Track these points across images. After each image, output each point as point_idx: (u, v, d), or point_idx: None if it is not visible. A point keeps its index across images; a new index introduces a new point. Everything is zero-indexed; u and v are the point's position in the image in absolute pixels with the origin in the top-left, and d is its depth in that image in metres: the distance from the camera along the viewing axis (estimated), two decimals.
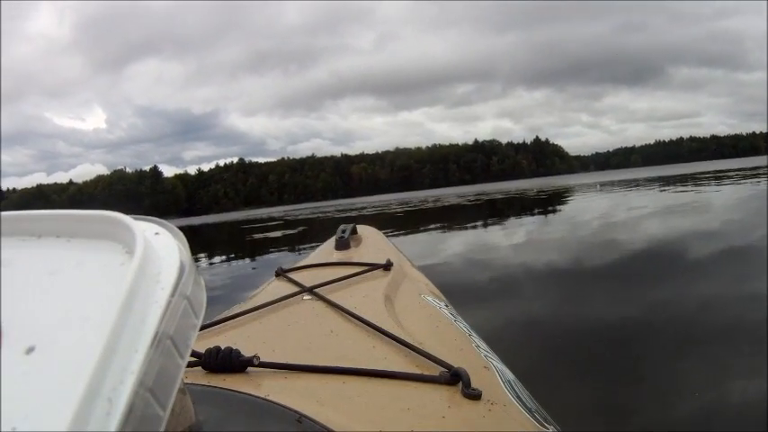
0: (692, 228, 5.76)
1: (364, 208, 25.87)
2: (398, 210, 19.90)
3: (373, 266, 1.17)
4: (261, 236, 12.81)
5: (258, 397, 0.52)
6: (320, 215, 23.10)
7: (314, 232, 12.99)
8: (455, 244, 6.61)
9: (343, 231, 1.58)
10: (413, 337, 0.73)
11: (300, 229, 14.43)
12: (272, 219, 25.10)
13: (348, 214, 20.69)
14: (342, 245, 1.53)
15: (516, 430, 0.55)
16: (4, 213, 0.31)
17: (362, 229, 1.78)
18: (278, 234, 12.81)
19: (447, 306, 1.08)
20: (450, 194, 36.01)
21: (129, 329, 0.22)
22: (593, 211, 9.77)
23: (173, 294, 0.25)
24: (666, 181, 20.42)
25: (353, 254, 1.46)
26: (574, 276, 3.94)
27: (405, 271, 1.24)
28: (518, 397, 0.65)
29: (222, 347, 0.63)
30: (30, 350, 0.22)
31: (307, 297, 0.97)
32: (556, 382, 1.89)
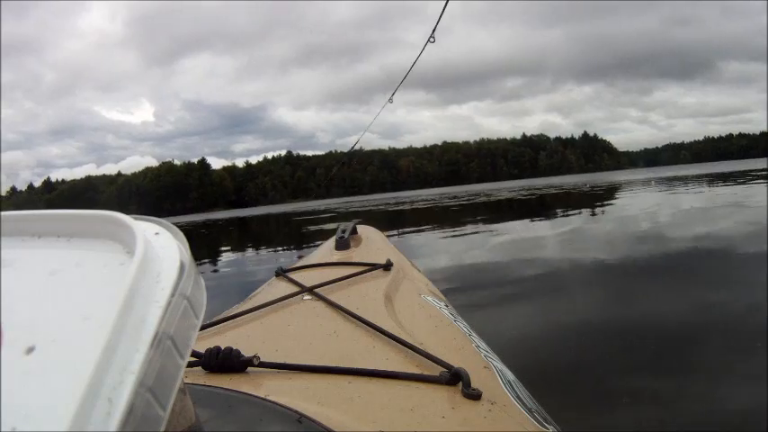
0: (742, 227, 5.61)
1: (415, 201, 25.52)
2: (452, 203, 19.45)
3: (373, 266, 1.17)
4: (316, 228, 12.58)
5: (258, 397, 0.52)
6: (373, 208, 22.89)
7: (371, 224, 12.81)
8: (524, 241, 6.40)
9: (343, 231, 1.58)
10: (413, 337, 0.73)
11: (355, 221, 14.06)
12: (323, 211, 24.86)
13: (402, 207, 20.55)
14: (342, 245, 1.53)
15: (516, 430, 0.55)
16: (4, 213, 0.31)
17: (362, 230, 1.78)
18: (333, 226, 12.55)
19: (447, 306, 1.08)
20: (501, 189, 35.55)
21: (130, 329, 0.22)
22: (654, 207, 9.53)
23: (173, 294, 0.25)
24: (724, 178, 19.57)
25: (353, 254, 1.46)
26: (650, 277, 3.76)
27: (405, 271, 1.24)
28: (518, 397, 0.65)
29: (222, 347, 0.63)
30: (30, 350, 0.22)
31: (307, 297, 0.97)
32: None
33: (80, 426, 0.18)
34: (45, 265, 0.27)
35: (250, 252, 8.90)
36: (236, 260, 7.69)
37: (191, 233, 18.90)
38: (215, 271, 6.75)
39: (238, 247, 10.61)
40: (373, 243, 1.63)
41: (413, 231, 8.95)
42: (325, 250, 1.60)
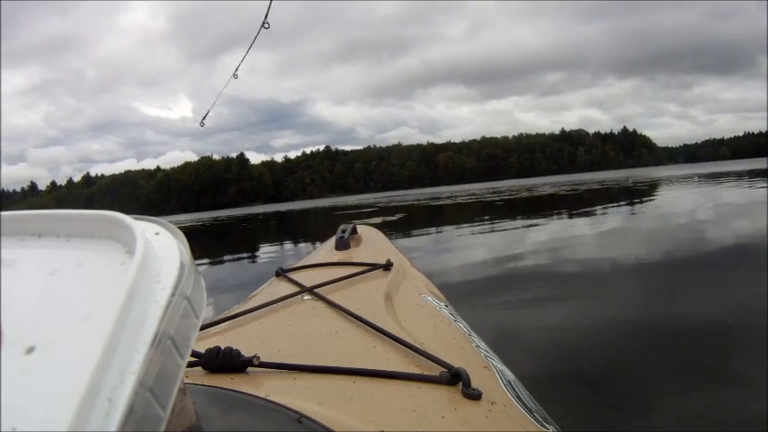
0: None
1: (457, 196, 25.36)
2: (495, 198, 19.21)
3: (373, 266, 1.17)
4: (360, 222, 12.24)
5: (258, 397, 0.52)
6: (414, 202, 22.78)
7: (416, 219, 12.81)
8: (581, 237, 6.21)
9: (343, 231, 1.58)
10: (413, 338, 0.73)
11: (399, 216, 14.00)
12: (364, 205, 24.86)
13: (442, 202, 20.38)
14: (342, 245, 1.53)
15: (516, 430, 0.55)
16: (4, 213, 0.31)
17: (362, 230, 1.78)
18: (378, 220, 12.39)
19: (447, 306, 1.08)
20: (542, 184, 35.17)
21: (130, 329, 0.22)
22: (703, 202, 9.44)
23: (173, 294, 0.25)
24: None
25: (353, 254, 1.46)
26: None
27: (405, 271, 1.24)
28: (518, 397, 0.65)
29: (222, 347, 0.63)
30: (30, 350, 0.22)
31: (307, 297, 0.97)
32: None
33: (80, 426, 0.18)
34: (45, 265, 0.27)
35: (288, 246, 8.97)
36: (277, 255, 7.71)
37: (232, 227, 18.98)
38: (253, 263, 6.78)
39: (281, 240, 10.67)
40: (373, 243, 1.63)
41: (460, 228, 8.86)
42: (326, 250, 1.60)
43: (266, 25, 2.05)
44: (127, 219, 0.29)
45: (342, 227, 1.62)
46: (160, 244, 0.28)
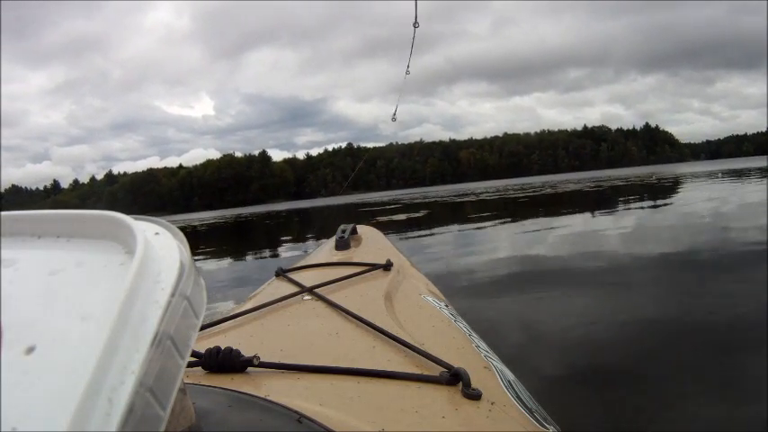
0: None
1: (481, 193, 25.26)
2: (520, 195, 18.98)
3: (373, 266, 1.17)
4: (386, 218, 12.35)
5: (258, 397, 0.52)
6: (438, 199, 22.77)
7: (440, 215, 12.70)
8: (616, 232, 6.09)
9: (343, 231, 1.58)
10: (413, 338, 0.73)
11: (424, 212, 13.99)
12: (388, 202, 24.82)
13: (467, 199, 20.30)
14: (342, 245, 1.53)
15: (516, 430, 0.55)
16: (4, 213, 0.31)
17: (362, 230, 1.78)
18: (402, 217, 12.36)
19: (447, 306, 1.08)
20: (566, 180, 34.91)
21: (130, 329, 0.22)
22: (728, 198, 9.40)
23: (173, 294, 0.25)
24: None
25: (353, 254, 1.46)
26: None
27: (405, 271, 1.24)
28: (518, 397, 0.65)
29: (222, 347, 0.63)
30: (30, 350, 0.22)
31: (307, 297, 0.97)
32: None
33: (80, 426, 0.18)
34: (45, 265, 0.27)
35: (310, 243, 8.97)
36: (300, 253, 7.72)
37: (255, 224, 18.93)
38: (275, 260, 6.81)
39: (304, 238, 10.68)
40: (373, 243, 1.63)
41: (489, 224, 8.75)
42: (326, 250, 1.60)
43: (417, 24, 2.11)
44: (127, 219, 0.29)
45: (342, 227, 1.62)
46: (160, 244, 0.28)
